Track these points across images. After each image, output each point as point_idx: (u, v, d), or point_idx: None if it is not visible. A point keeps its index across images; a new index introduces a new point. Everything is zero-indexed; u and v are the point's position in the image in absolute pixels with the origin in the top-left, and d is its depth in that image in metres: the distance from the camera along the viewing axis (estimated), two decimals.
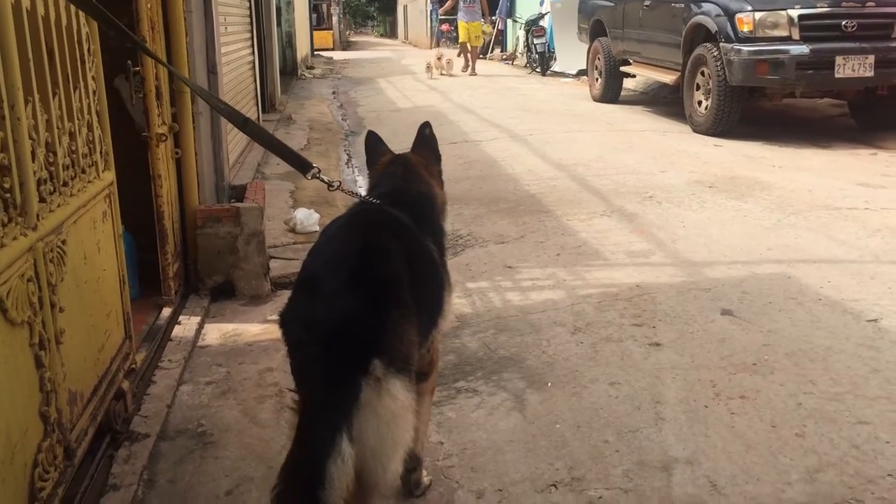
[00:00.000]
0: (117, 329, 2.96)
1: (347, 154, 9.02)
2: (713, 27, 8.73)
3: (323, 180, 2.64)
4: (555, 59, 17.73)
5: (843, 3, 8.27)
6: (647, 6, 10.54)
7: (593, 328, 3.89)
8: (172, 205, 4.09)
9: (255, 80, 9.50)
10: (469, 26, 18.96)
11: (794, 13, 8.23)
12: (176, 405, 3.21)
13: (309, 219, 5.57)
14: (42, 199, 2.24)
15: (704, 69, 8.96)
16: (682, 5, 9.47)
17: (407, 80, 17.36)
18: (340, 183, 2.69)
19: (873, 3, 8.27)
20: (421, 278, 2.20)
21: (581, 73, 15.19)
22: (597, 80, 12.64)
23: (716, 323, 3.90)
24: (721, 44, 8.58)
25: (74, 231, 2.50)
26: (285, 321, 2.07)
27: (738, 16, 8.44)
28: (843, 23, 8.17)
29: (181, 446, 2.92)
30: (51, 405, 2.21)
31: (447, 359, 3.54)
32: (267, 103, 11.26)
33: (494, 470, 2.73)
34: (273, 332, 3.77)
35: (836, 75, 8.16)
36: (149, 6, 3.70)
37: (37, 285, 2.15)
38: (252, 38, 9.40)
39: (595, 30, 12.59)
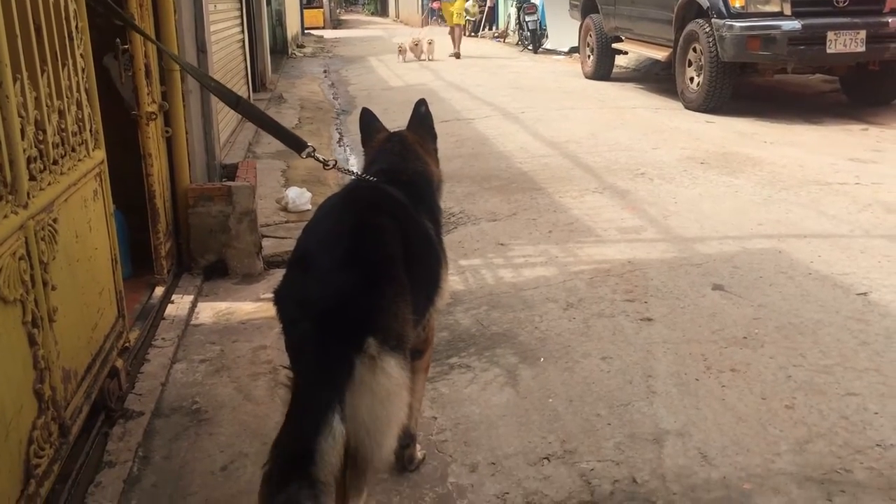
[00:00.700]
0: (110, 307, 2.96)
1: (339, 133, 8.99)
2: (705, 3, 8.70)
3: (318, 159, 2.64)
4: (546, 36, 17.67)
5: None
6: None
7: (585, 304, 3.91)
8: (163, 184, 4.08)
9: (246, 59, 9.45)
10: (451, 6, 18.22)
11: None
12: (170, 383, 3.23)
13: (301, 197, 5.56)
14: (32, 178, 2.24)
15: (696, 45, 8.94)
16: None
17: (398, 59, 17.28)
18: (336, 162, 2.69)
19: None
20: (417, 256, 2.20)
21: (573, 50, 15.14)
22: (588, 57, 12.61)
23: (707, 298, 3.92)
24: (713, 20, 8.56)
25: (65, 209, 2.49)
26: (279, 299, 2.07)
27: None
28: None
29: (176, 423, 2.93)
30: (45, 383, 2.21)
31: (440, 335, 3.56)
32: (257, 82, 11.20)
33: (487, 444, 2.76)
34: (266, 310, 3.78)
35: (828, 51, 8.15)
36: None
37: (28, 263, 2.15)
38: (241, 16, 9.34)
39: (587, 6, 12.53)
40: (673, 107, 9.50)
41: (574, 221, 5.24)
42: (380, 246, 2.05)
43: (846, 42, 8.12)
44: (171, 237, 4.19)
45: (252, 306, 3.98)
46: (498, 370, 3.28)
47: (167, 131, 4.13)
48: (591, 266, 4.42)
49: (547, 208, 5.55)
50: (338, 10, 40.47)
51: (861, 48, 8.14)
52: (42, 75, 2.37)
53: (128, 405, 2.99)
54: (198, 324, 3.80)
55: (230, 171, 5.12)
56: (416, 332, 2.24)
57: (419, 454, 2.64)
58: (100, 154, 2.93)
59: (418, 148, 2.62)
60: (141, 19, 3.72)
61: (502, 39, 21.55)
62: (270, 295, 2.13)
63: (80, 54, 2.77)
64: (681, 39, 9.29)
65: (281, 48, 17.52)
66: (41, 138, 2.33)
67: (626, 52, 12.13)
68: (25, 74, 2.22)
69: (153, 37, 3.88)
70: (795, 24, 8.14)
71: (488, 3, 23.34)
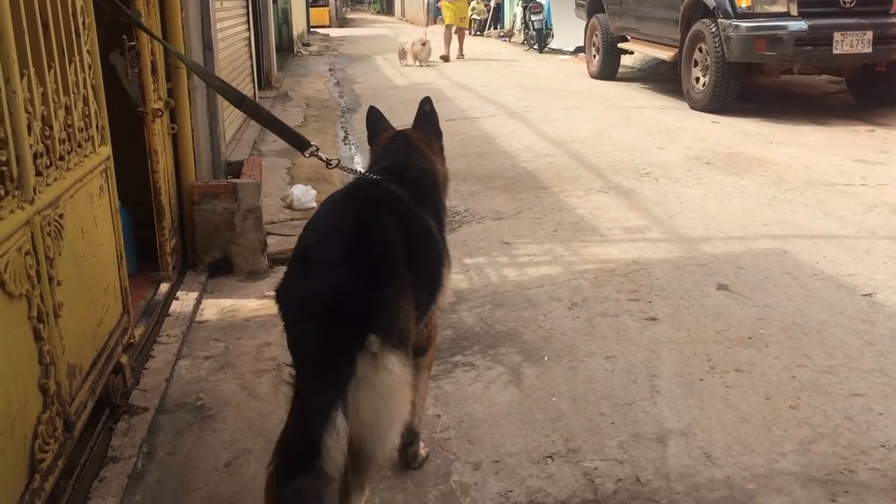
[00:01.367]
0: (115, 304, 2.97)
1: (344, 131, 9.00)
2: (711, 3, 8.68)
3: (321, 158, 2.65)
4: (552, 36, 17.64)
5: None
6: None
7: (590, 303, 3.91)
8: (169, 181, 4.09)
9: (251, 57, 9.45)
10: (454, 6, 16.95)
11: None
12: (174, 379, 3.23)
13: (306, 195, 5.57)
14: (39, 173, 2.25)
15: (702, 45, 8.92)
16: None
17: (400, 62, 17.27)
18: (339, 161, 2.69)
19: None
20: (419, 254, 2.20)
21: (578, 50, 15.11)
22: (594, 56, 12.59)
23: (712, 298, 3.92)
24: (719, 20, 8.54)
25: (71, 205, 2.50)
26: (281, 296, 2.07)
27: None
28: None
29: (180, 419, 2.94)
30: (50, 378, 2.22)
31: (444, 333, 3.56)
32: (263, 80, 11.20)
33: (491, 442, 2.76)
34: (271, 307, 3.76)
35: (835, 51, 8.13)
36: None
37: (34, 259, 2.16)
38: (248, 14, 9.34)
39: (592, 6, 12.52)
40: (678, 107, 9.48)
41: (579, 221, 5.24)
42: (381, 243, 2.05)
43: (853, 43, 8.09)
44: (176, 234, 4.20)
45: (257, 303, 3.99)
46: (502, 368, 3.28)
47: (173, 128, 4.13)
48: (596, 265, 4.42)
49: (552, 207, 5.55)
50: (344, 9, 40.51)
51: (868, 49, 8.12)
52: (49, 71, 2.38)
53: (132, 401, 3.00)
54: (202, 321, 3.81)
55: (235, 169, 5.13)
56: (419, 329, 2.25)
57: (423, 452, 2.64)
58: (106, 150, 2.93)
59: (423, 146, 2.62)
60: (148, 16, 3.72)
61: (508, 39, 21.53)
62: (272, 292, 2.13)
63: (87, 51, 2.78)
64: (687, 39, 9.27)
65: (287, 46, 17.53)
66: (48, 134, 2.34)
67: (631, 52, 12.11)
68: (32, 70, 2.23)
69: (160, 34, 3.89)
70: (802, 25, 8.12)
71: (493, 2, 23.30)
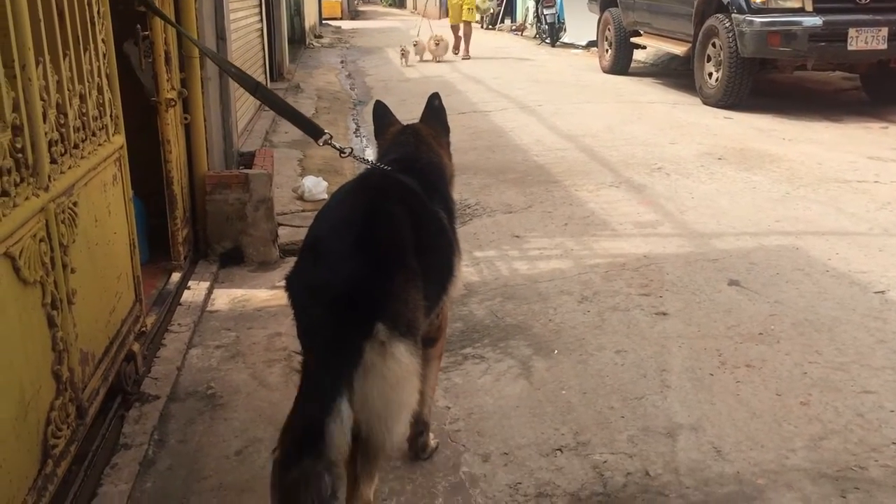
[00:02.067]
0: (128, 292, 2.98)
1: (356, 123, 9.00)
2: None
3: (335, 147, 2.65)
4: (564, 30, 17.58)
5: None
6: None
7: (600, 297, 3.90)
8: (181, 170, 4.10)
9: (264, 49, 9.46)
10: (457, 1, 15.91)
11: None
12: (186, 368, 3.25)
13: (317, 187, 5.57)
14: (53, 161, 2.26)
15: (716, 40, 8.87)
16: None
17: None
18: (352, 150, 2.70)
19: None
20: (429, 244, 2.20)
21: (591, 44, 15.08)
22: (607, 51, 12.55)
23: (723, 293, 3.91)
24: (733, 15, 8.49)
25: (85, 193, 2.51)
26: (291, 284, 2.08)
27: None
28: None
29: (191, 408, 2.95)
30: (63, 364, 2.23)
31: (455, 326, 3.56)
32: (275, 72, 11.21)
33: (500, 434, 2.76)
34: (281, 297, 3.77)
35: (849, 48, 8.07)
36: None
37: (49, 246, 2.17)
38: (260, 5, 9.35)
39: (605, 0, 12.47)
40: (691, 102, 9.44)
41: (590, 215, 5.23)
42: (391, 233, 2.06)
43: (867, 39, 8.03)
44: (188, 224, 4.21)
45: (267, 294, 4.00)
46: (512, 361, 3.28)
47: (186, 118, 4.14)
48: (607, 259, 4.41)
49: (563, 201, 5.54)
50: (356, 1, 40.47)
51: (883, 45, 8.06)
52: (64, 59, 2.39)
53: (144, 389, 3.02)
54: (213, 310, 3.82)
55: (247, 159, 5.14)
56: (429, 319, 2.25)
57: (432, 443, 2.65)
58: (120, 139, 2.95)
59: (431, 140, 2.62)
60: (162, 6, 3.73)
61: (520, 33, 21.47)
62: (283, 281, 2.14)
63: (102, 39, 2.78)
64: (700, 34, 9.22)
65: (299, 38, 17.52)
66: (62, 122, 2.35)
67: (644, 47, 12.05)
68: (48, 58, 2.24)
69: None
70: (816, 21, 8.07)
71: None
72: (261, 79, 8.93)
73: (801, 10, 8.18)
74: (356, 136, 8.33)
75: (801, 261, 4.29)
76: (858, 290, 3.89)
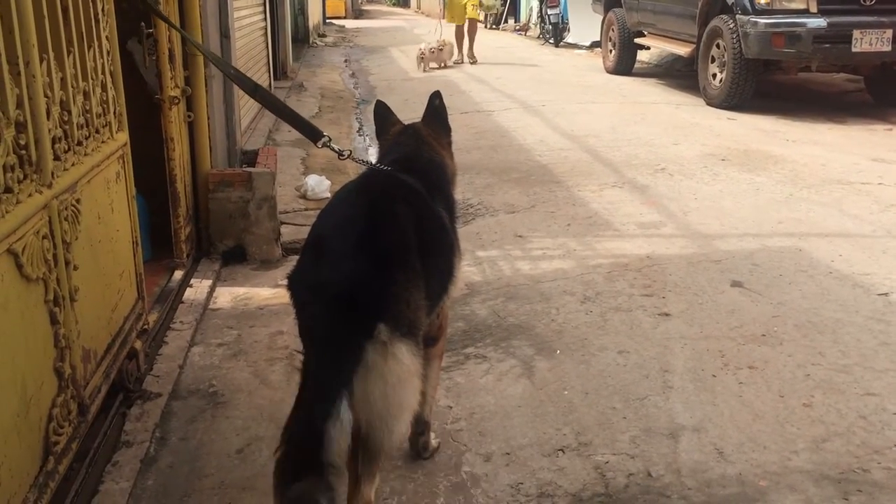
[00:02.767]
0: (130, 289, 2.98)
1: (359, 122, 8.99)
2: None
3: (333, 149, 2.66)
4: (568, 30, 17.56)
5: None
6: None
7: (603, 298, 3.90)
8: (185, 168, 4.10)
9: (268, 47, 9.46)
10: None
11: None
12: (188, 366, 3.25)
13: (320, 185, 5.57)
14: (57, 157, 2.26)
15: (720, 41, 8.86)
16: None
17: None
18: (350, 152, 2.69)
19: None
20: (431, 243, 2.20)
21: (595, 44, 15.04)
22: (610, 51, 12.53)
23: (726, 294, 3.90)
24: (737, 16, 8.47)
25: (88, 190, 2.51)
26: (293, 283, 2.08)
27: None
28: None
29: (193, 406, 2.95)
30: (65, 361, 2.23)
31: (457, 325, 3.56)
32: (279, 70, 11.21)
33: (502, 434, 2.76)
34: (284, 296, 3.77)
35: (854, 49, 8.05)
36: None
37: (52, 242, 2.17)
38: (264, 4, 9.34)
39: (610, 1, 12.45)
40: (695, 103, 9.43)
41: (593, 215, 5.22)
42: (393, 232, 2.06)
43: (872, 41, 8.02)
44: (190, 222, 4.21)
45: (270, 292, 4.00)
46: (514, 361, 3.28)
47: (189, 116, 4.14)
48: (610, 260, 4.41)
49: (566, 201, 5.53)
50: (360, 0, 40.48)
51: (887, 47, 8.04)
52: (68, 56, 2.39)
53: (146, 386, 3.02)
54: (216, 308, 3.82)
55: (250, 158, 5.14)
56: (430, 319, 2.25)
57: (434, 442, 2.64)
58: (123, 136, 2.95)
59: (432, 140, 2.62)
60: (166, 3, 3.73)
61: (524, 33, 21.44)
62: (285, 280, 2.14)
63: (106, 37, 2.78)
64: (704, 35, 9.20)
65: (302, 37, 17.51)
66: (66, 119, 2.35)
67: (648, 47, 12.04)
68: (52, 55, 2.24)
69: (178, 22, 3.90)
70: (821, 22, 8.05)
71: None
72: (264, 77, 8.94)
73: (805, 12, 8.16)
74: (359, 136, 8.32)
75: (805, 262, 4.28)
76: (862, 292, 3.88)
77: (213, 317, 3.73)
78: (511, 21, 23.34)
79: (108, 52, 2.81)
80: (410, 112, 2.82)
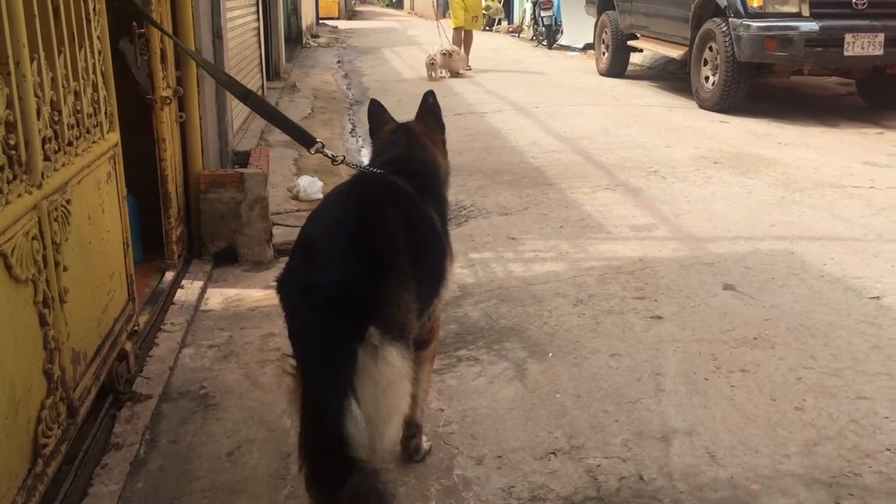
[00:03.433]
0: (120, 290, 2.96)
1: (352, 123, 8.98)
2: (722, 2, 8.63)
3: (327, 155, 2.65)
4: (561, 32, 17.57)
5: None
6: None
7: (595, 300, 3.89)
8: (176, 169, 4.08)
9: (260, 48, 9.44)
10: (465, 2, 13.16)
11: None
12: (178, 367, 3.23)
13: (312, 186, 5.56)
14: (47, 158, 2.24)
15: (712, 44, 8.88)
16: None
17: (412, 51, 17.17)
18: (344, 157, 2.68)
19: None
20: (422, 246, 2.20)
21: (588, 46, 15.06)
22: (603, 53, 12.55)
23: (718, 297, 3.91)
24: (730, 19, 8.49)
25: (79, 191, 2.50)
26: (282, 286, 2.07)
27: None
28: (854, 0, 8.08)
29: (183, 408, 2.94)
30: (54, 363, 2.22)
31: (449, 328, 3.56)
32: (272, 71, 11.19)
33: (494, 437, 2.75)
34: (275, 298, 3.77)
35: (846, 53, 8.08)
36: None
37: (41, 243, 2.15)
38: (257, 4, 9.33)
39: (603, 3, 12.46)
40: (687, 105, 9.45)
41: (585, 217, 5.22)
42: (383, 235, 2.05)
43: (864, 45, 8.04)
44: (182, 222, 4.20)
45: (261, 293, 3.98)
46: (506, 364, 3.27)
47: (181, 116, 4.12)
48: (602, 263, 4.41)
49: (558, 204, 5.53)
50: (353, 1, 40.42)
51: (879, 51, 8.06)
52: (59, 56, 2.37)
53: (136, 388, 3.00)
54: (207, 309, 3.81)
55: (242, 159, 5.12)
56: (421, 322, 2.25)
57: (426, 445, 2.63)
58: (114, 137, 2.93)
59: (425, 139, 2.60)
60: (158, 4, 3.71)
61: (517, 34, 21.44)
62: (273, 282, 2.13)
63: (97, 36, 2.77)
64: (697, 38, 9.22)
65: (295, 37, 17.48)
66: (56, 119, 2.33)
67: (641, 50, 12.06)
68: (43, 55, 2.22)
69: (170, 22, 3.89)
70: (813, 26, 8.08)
71: None
72: (257, 78, 8.92)
73: (798, 15, 8.18)
74: (352, 137, 8.31)
75: (797, 265, 4.29)
76: (853, 296, 3.89)
77: (205, 318, 3.71)
78: (504, 23, 23.35)
79: (100, 52, 2.80)
80: (403, 114, 2.81)
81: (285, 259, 4.25)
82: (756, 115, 8.65)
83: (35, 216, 2.12)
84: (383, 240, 2.04)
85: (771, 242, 4.68)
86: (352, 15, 34.66)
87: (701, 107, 9.20)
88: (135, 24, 3.66)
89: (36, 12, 2.18)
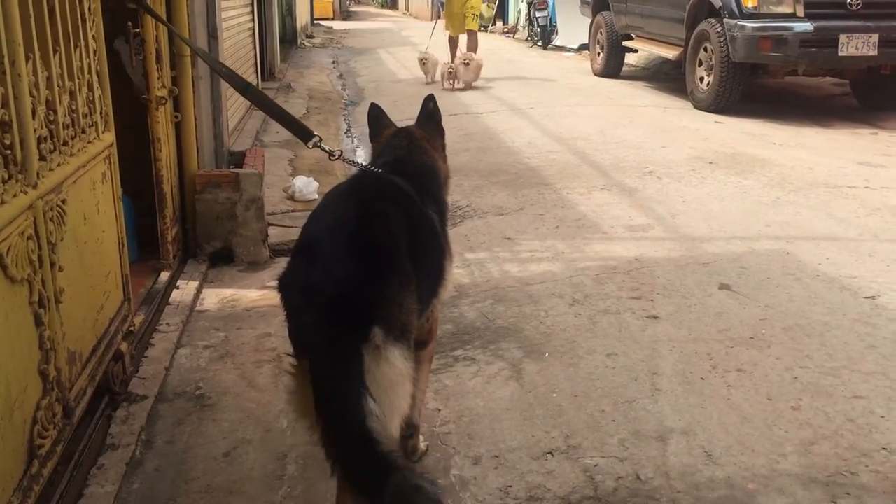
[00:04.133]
0: (116, 291, 2.95)
1: (347, 124, 8.97)
2: (717, 3, 8.65)
3: (324, 149, 2.64)
4: (556, 32, 17.59)
5: None
6: None
7: (591, 300, 3.90)
8: (171, 169, 4.07)
9: (255, 48, 9.43)
10: (459, 5, 12.02)
11: None
12: (174, 368, 3.22)
13: (308, 187, 5.55)
14: (42, 157, 2.23)
15: (707, 45, 8.89)
16: None
17: (407, 51, 17.15)
18: (341, 152, 2.68)
19: None
20: (422, 246, 2.19)
21: (583, 47, 15.08)
22: (598, 54, 12.56)
23: (713, 297, 3.91)
24: (725, 19, 8.51)
25: (74, 191, 2.49)
26: (284, 286, 2.06)
27: None
28: (849, 0, 8.09)
29: (179, 408, 2.93)
30: (50, 363, 2.21)
31: (445, 328, 3.55)
32: (266, 71, 11.17)
33: (491, 437, 2.75)
34: (271, 297, 3.77)
35: (840, 53, 8.10)
36: None
37: (37, 243, 2.14)
38: (252, 4, 9.31)
39: (598, 4, 12.48)
40: (682, 106, 9.46)
41: (581, 218, 5.22)
42: (385, 235, 2.05)
43: (858, 45, 8.06)
44: (177, 223, 4.18)
45: (257, 294, 3.98)
46: (502, 364, 3.27)
47: (176, 116, 4.11)
48: (598, 263, 4.41)
49: (554, 204, 5.53)
50: (348, 2, 40.41)
51: (873, 52, 8.09)
52: (54, 56, 2.36)
53: (132, 389, 2.99)
54: (203, 310, 3.80)
55: (238, 159, 5.11)
56: (420, 322, 2.24)
57: (422, 445, 2.63)
58: (109, 137, 2.92)
59: (425, 143, 2.60)
60: (153, 4, 3.70)
61: (512, 35, 21.45)
62: (275, 282, 2.12)
63: (93, 36, 2.76)
64: (692, 39, 9.24)
65: (290, 38, 17.47)
66: (52, 119, 2.32)
67: (636, 51, 12.07)
68: (38, 54, 2.21)
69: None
70: (808, 26, 8.10)
71: None
72: (252, 78, 8.90)
73: (792, 16, 8.20)
74: (347, 137, 8.30)
75: (792, 265, 4.30)
76: (849, 295, 3.90)
77: (200, 319, 3.70)
78: (499, 23, 23.35)
79: (95, 52, 2.79)
80: (399, 114, 2.81)
81: (281, 259, 4.31)
82: (751, 116, 8.67)
83: (30, 216, 2.11)
84: (385, 239, 2.03)
85: (766, 242, 4.69)
86: (346, 15, 34.66)
87: (696, 107, 9.21)
88: (130, 23, 3.65)
89: (31, 12, 2.17)
